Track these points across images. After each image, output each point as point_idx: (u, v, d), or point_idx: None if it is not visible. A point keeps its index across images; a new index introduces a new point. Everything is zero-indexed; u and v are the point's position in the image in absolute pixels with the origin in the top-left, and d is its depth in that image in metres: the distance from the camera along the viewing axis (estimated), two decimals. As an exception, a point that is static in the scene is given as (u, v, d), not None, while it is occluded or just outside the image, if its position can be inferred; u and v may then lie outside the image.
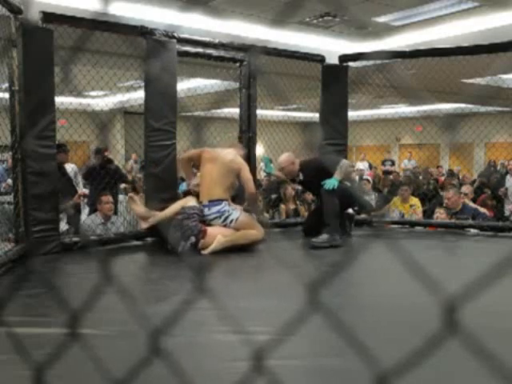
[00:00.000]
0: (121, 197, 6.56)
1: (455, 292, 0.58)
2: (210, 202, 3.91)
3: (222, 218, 3.87)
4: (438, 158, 14.99)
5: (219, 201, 3.90)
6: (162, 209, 3.96)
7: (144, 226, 3.95)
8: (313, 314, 0.67)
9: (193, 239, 3.73)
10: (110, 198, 4.92)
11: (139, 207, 3.99)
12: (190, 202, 3.96)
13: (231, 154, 4.06)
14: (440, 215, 5.12)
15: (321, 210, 4.27)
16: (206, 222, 3.88)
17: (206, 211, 3.89)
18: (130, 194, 4.10)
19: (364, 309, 2.52)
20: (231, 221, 3.86)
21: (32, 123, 3.56)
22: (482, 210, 5.49)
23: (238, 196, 4.30)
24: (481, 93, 9.67)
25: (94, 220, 4.83)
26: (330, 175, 4.14)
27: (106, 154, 6.13)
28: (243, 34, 6.55)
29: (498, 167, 11.14)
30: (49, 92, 3.63)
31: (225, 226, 3.86)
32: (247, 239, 3.84)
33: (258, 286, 3.08)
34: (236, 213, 3.89)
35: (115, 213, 5.53)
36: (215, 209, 3.88)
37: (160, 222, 3.88)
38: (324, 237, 3.99)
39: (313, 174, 4.31)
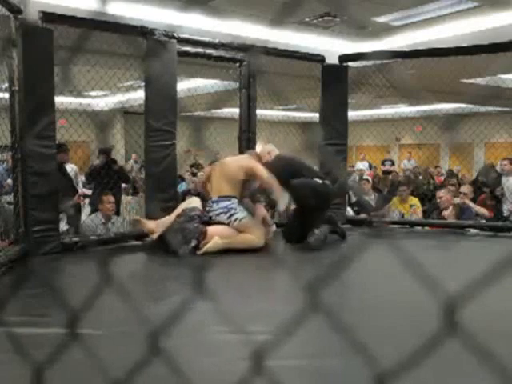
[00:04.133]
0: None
1: (455, 292, 0.58)
2: (219, 197, 3.93)
3: (228, 214, 3.87)
4: (438, 158, 14.97)
5: (229, 197, 3.92)
6: (165, 210, 3.95)
7: (155, 237, 3.87)
8: (312, 314, 0.67)
9: (194, 242, 3.73)
10: (111, 198, 4.92)
11: (148, 224, 3.94)
12: (193, 203, 3.96)
13: (244, 158, 4.14)
14: (445, 211, 5.13)
15: (299, 213, 4.17)
16: (212, 218, 3.89)
17: (214, 206, 3.91)
18: (135, 218, 4.02)
19: (364, 309, 2.52)
20: (235, 219, 3.86)
21: (32, 123, 3.56)
22: (482, 210, 5.49)
23: (253, 195, 4.24)
24: (481, 93, 9.67)
25: (93, 220, 4.83)
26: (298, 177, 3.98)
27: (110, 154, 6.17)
28: (243, 34, 6.54)
29: (497, 167, 11.11)
30: (49, 92, 3.63)
31: (228, 224, 3.86)
32: (245, 244, 3.81)
33: (257, 286, 3.08)
34: (242, 213, 3.89)
35: (117, 213, 5.54)
36: (223, 204, 3.89)
37: (168, 227, 3.86)
38: (317, 233, 3.88)
39: (280, 170, 4.03)
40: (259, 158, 4.27)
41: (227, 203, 3.89)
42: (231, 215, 3.87)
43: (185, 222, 3.75)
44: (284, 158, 4.27)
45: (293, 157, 4.33)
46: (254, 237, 3.85)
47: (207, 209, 3.94)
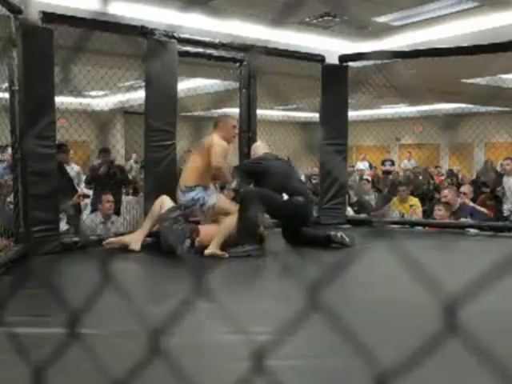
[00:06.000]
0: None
1: (455, 292, 0.58)
2: (185, 187, 3.93)
3: (198, 205, 3.89)
4: (438, 158, 14.97)
5: (193, 187, 3.90)
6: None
7: (137, 247, 3.85)
8: (313, 314, 0.67)
9: (188, 241, 3.75)
10: (110, 197, 4.93)
11: (122, 239, 3.92)
12: (166, 203, 3.89)
13: (208, 138, 3.95)
14: (439, 212, 5.12)
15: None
16: (186, 211, 3.90)
17: (181, 197, 3.91)
18: (106, 241, 3.89)
19: (364, 309, 2.52)
20: (208, 208, 3.89)
21: (32, 123, 3.56)
22: (483, 209, 5.49)
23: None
24: (481, 93, 9.67)
25: (93, 219, 4.84)
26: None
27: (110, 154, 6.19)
28: (243, 34, 6.54)
29: (498, 167, 11.11)
30: (49, 92, 3.63)
31: (203, 212, 3.91)
32: (230, 228, 3.77)
33: (257, 286, 3.08)
34: (212, 199, 3.90)
35: (117, 213, 5.54)
36: (189, 196, 3.89)
37: (152, 230, 3.93)
38: (239, 248, 3.78)
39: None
40: (227, 127, 4.06)
41: (192, 194, 3.89)
42: (202, 205, 3.89)
43: (172, 225, 3.75)
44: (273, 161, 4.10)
45: (282, 165, 4.20)
46: (231, 215, 3.82)
47: (179, 198, 3.93)
